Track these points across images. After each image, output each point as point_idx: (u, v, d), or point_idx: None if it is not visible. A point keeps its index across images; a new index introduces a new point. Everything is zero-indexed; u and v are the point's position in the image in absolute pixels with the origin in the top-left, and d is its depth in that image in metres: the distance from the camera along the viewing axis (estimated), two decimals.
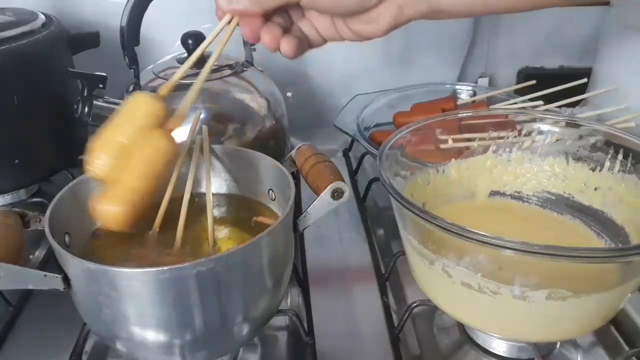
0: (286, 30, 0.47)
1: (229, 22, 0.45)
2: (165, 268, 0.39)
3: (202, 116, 0.48)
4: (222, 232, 0.52)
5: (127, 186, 0.41)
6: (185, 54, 0.71)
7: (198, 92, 0.45)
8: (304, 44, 0.48)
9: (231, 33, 0.45)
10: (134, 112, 0.43)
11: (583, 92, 0.81)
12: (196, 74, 0.69)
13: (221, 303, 0.41)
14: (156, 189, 0.43)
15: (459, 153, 0.59)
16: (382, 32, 0.46)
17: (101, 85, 0.64)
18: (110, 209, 0.41)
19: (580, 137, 0.56)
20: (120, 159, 0.42)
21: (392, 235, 0.68)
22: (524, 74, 1.02)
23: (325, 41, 0.50)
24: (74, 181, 0.49)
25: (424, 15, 0.45)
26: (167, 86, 0.45)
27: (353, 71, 0.92)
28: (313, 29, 0.49)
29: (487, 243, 0.40)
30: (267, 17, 0.46)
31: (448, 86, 0.91)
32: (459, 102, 0.84)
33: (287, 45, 0.46)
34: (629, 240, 0.51)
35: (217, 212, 0.53)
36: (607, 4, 0.89)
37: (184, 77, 0.68)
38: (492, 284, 0.43)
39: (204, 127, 0.46)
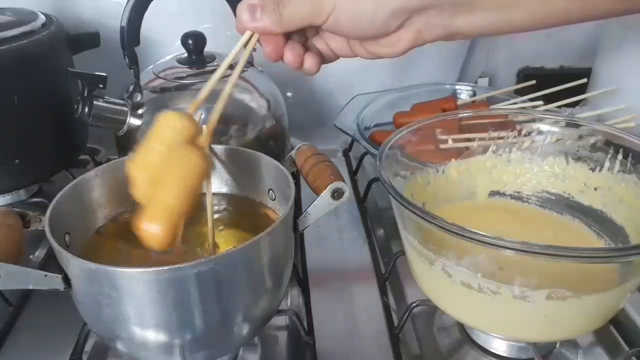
0: (303, 46, 0.47)
1: (250, 37, 0.45)
2: (165, 268, 0.39)
3: (202, 116, 0.48)
4: (222, 232, 0.52)
5: (165, 206, 0.41)
6: (186, 54, 0.72)
7: (222, 108, 0.46)
8: (322, 60, 0.49)
9: (252, 49, 0.46)
10: (165, 131, 0.43)
11: (583, 92, 0.81)
12: (197, 74, 0.69)
13: (221, 303, 0.41)
14: (192, 206, 0.43)
15: (459, 153, 0.59)
16: (398, 54, 0.46)
17: (101, 86, 0.64)
18: (151, 229, 0.41)
19: (580, 137, 0.56)
20: (156, 179, 0.42)
21: (392, 235, 0.68)
22: (524, 74, 1.02)
23: (337, 58, 0.50)
24: (74, 181, 0.49)
25: (440, 38, 0.45)
26: (195, 104, 0.45)
27: (353, 71, 0.92)
28: (327, 47, 0.49)
29: (487, 243, 0.40)
30: (288, 34, 0.46)
31: (448, 86, 0.91)
32: (459, 102, 0.84)
33: (310, 62, 0.47)
34: (629, 240, 0.51)
35: (217, 212, 0.53)
36: None
37: (187, 78, 0.69)
38: (492, 284, 0.43)
39: (204, 127, 0.46)
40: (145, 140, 0.44)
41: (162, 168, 0.42)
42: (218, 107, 0.45)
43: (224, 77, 0.47)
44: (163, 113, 0.44)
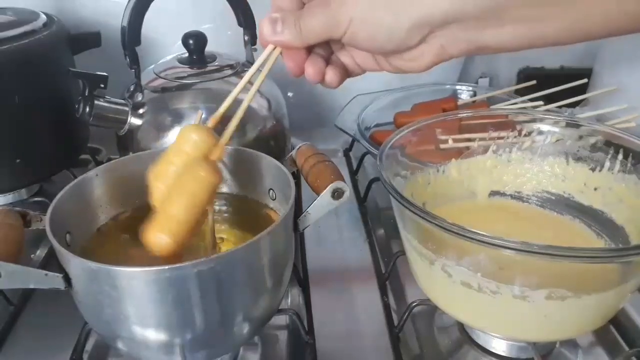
0: (327, 60, 0.47)
1: (272, 50, 0.46)
2: (166, 267, 0.39)
3: (203, 116, 0.48)
4: (223, 232, 0.52)
5: (175, 218, 0.43)
6: (186, 54, 0.72)
7: (238, 123, 0.46)
8: (345, 74, 0.48)
9: (274, 62, 0.46)
10: (185, 145, 0.45)
11: (583, 93, 0.81)
12: (198, 74, 0.69)
13: (221, 302, 0.42)
14: (201, 218, 0.45)
15: (459, 153, 0.59)
16: (424, 69, 0.45)
17: (102, 85, 0.65)
18: (161, 240, 0.43)
19: (581, 137, 0.56)
20: (170, 190, 0.44)
21: (392, 235, 0.68)
22: (524, 74, 1.02)
23: (364, 71, 0.49)
24: (75, 180, 0.49)
25: (467, 53, 0.43)
26: (215, 119, 0.46)
27: None
28: (352, 61, 0.48)
29: (487, 243, 0.40)
30: (310, 49, 0.46)
31: (448, 86, 0.91)
32: (460, 102, 0.84)
33: (332, 76, 0.46)
34: (629, 240, 0.51)
35: (217, 212, 0.53)
36: None
37: (188, 78, 0.69)
38: (492, 284, 0.43)
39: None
40: (167, 150, 0.46)
41: (177, 180, 0.44)
42: (233, 123, 0.46)
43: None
44: (186, 125, 0.46)
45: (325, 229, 0.69)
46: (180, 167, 0.44)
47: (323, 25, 0.42)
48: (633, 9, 0.38)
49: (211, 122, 0.46)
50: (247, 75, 0.47)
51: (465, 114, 0.60)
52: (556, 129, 0.57)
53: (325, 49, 0.47)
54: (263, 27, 0.44)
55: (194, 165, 0.43)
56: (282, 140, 0.73)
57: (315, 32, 0.43)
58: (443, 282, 0.46)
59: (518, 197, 0.60)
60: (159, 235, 0.43)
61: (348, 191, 0.45)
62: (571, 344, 0.52)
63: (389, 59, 0.46)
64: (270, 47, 0.45)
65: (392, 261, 0.60)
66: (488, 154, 0.59)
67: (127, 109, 0.66)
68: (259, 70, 0.47)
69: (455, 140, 0.59)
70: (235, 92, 0.46)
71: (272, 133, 0.70)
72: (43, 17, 0.70)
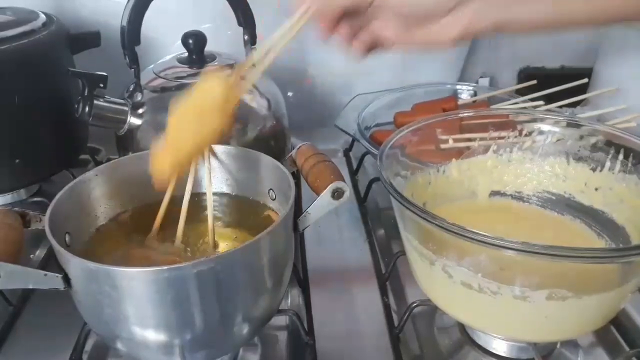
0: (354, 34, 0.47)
1: (305, 11, 0.46)
2: (165, 268, 0.39)
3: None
4: (222, 232, 0.52)
5: (177, 148, 0.47)
6: (186, 54, 0.72)
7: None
8: (370, 46, 0.48)
9: (304, 23, 0.46)
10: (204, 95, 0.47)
11: (584, 92, 0.81)
12: (198, 74, 0.69)
13: (221, 303, 0.41)
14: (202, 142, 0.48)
15: (459, 153, 0.59)
16: (449, 43, 0.45)
17: (102, 85, 0.64)
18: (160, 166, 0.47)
19: (581, 137, 0.56)
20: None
21: (392, 235, 0.68)
22: (524, 74, 1.02)
23: (394, 44, 0.48)
24: (75, 181, 0.49)
25: (491, 29, 0.43)
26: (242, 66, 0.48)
27: (354, 71, 0.92)
28: (385, 30, 0.48)
29: (487, 243, 0.40)
30: (339, 18, 0.46)
31: (449, 86, 0.91)
32: (460, 102, 0.84)
33: (359, 44, 0.46)
34: (630, 240, 0.51)
35: (217, 212, 0.53)
36: None
37: (187, 78, 0.69)
38: (492, 284, 0.43)
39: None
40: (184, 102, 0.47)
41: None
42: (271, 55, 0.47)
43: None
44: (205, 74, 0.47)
45: (325, 229, 0.69)
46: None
47: None
48: None
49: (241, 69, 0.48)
50: (279, 31, 0.47)
51: (465, 114, 0.60)
52: (557, 129, 0.57)
53: (355, 25, 0.47)
54: None
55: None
56: (282, 140, 0.73)
57: None
58: (443, 283, 0.46)
59: (519, 197, 0.60)
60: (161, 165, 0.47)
61: (348, 191, 0.45)
62: (572, 344, 0.52)
63: (418, 30, 0.45)
64: (303, 7, 0.45)
65: (392, 261, 0.60)
66: (488, 154, 0.59)
67: (126, 108, 0.66)
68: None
69: (455, 140, 0.59)
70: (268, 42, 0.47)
71: (272, 133, 0.70)
72: (42, 17, 0.70)
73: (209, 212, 0.49)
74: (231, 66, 0.71)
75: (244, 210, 0.54)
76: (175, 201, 0.50)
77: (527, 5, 0.40)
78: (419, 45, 0.47)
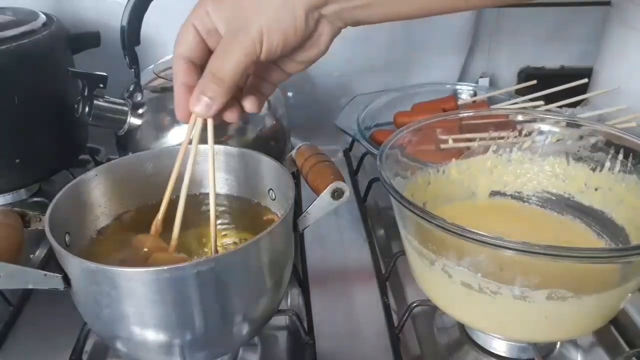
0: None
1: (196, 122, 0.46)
2: (165, 268, 0.39)
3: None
4: (222, 232, 0.52)
5: None
6: None
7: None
8: (263, 98, 0.50)
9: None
10: None
11: (584, 92, 0.81)
12: None
13: (221, 303, 0.41)
14: None
15: (459, 153, 0.59)
16: (324, 52, 0.47)
17: (102, 85, 0.64)
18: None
19: (581, 137, 0.56)
20: None
21: (392, 235, 0.68)
22: (524, 74, 1.02)
23: (275, 88, 0.51)
24: (75, 181, 0.49)
25: (349, 24, 0.47)
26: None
27: (354, 71, 0.92)
28: (264, 81, 0.49)
29: (487, 243, 0.40)
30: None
31: (449, 86, 0.91)
32: (460, 102, 0.84)
33: (249, 104, 0.48)
34: (629, 240, 0.51)
35: (217, 212, 0.53)
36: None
37: None
38: (492, 284, 0.43)
39: (210, 121, 0.46)
40: None
41: None
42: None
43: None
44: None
45: (325, 229, 0.69)
46: None
47: (242, 56, 0.43)
48: None
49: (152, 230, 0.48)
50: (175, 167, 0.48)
51: (465, 114, 0.60)
52: (556, 129, 0.57)
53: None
54: (198, 110, 0.44)
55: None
56: (282, 140, 0.73)
57: (238, 68, 0.43)
58: (443, 283, 0.46)
59: (518, 197, 0.60)
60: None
61: (348, 191, 0.45)
62: (572, 344, 0.52)
63: (296, 57, 0.47)
64: (194, 118, 0.46)
65: (392, 261, 0.60)
66: (488, 154, 0.59)
67: (126, 108, 0.66)
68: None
69: (455, 140, 0.59)
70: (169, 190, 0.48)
71: (272, 133, 0.70)
72: (42, 17, 0.70)
73: (211, 209, 0.47)
74: None
75: (243, 211, 0.54)
76: (177, 202, 0.49)
77: (364, 10, 0.45)
78: (296, 72, 0.49)
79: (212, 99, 0.44)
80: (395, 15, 0.46)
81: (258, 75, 0.49)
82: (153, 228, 0.49)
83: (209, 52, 0.45)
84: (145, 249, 0.47)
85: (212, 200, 0.46)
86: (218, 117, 0.47)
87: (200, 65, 0.46)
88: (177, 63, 0.46)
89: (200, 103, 0.44)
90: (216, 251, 0.46)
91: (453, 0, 0.45)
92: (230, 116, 0.47)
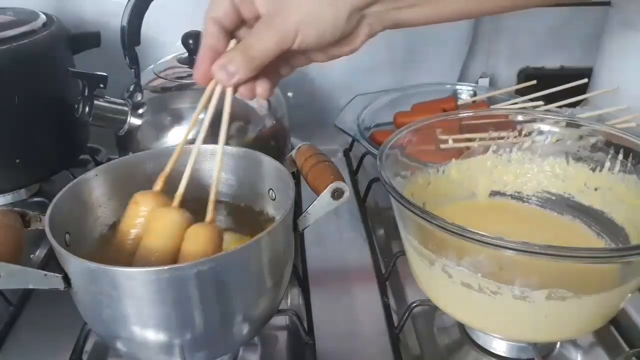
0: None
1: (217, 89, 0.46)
2: (165, 268, 0.39)
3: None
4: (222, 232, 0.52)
5: None
6: (186, 54, 0.72)
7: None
8: (275, 82, 0.49)
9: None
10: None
11: (583, 92, 0.81)
12: None
13: (221, 303, 0.41)
14: None
15: (459, 153, 0.59)
16: (356, 50, 0.48)
17: (102, 85, 0.64)
18: None
19: (581, 138, 0.56)
20: None
21: (392, 235, 0.68)
22: (524, 74, 1.02)
23: (293, 71, 0.50)
24: (75, 181, 0.49)
25: (389, 27, 0.47)
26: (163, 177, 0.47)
27: (354, 71, 0.92)
28: (289, 65, 0.49)
29: (487, 243, 0.40)
30: None
31: (449, 86, 0.91)
32: (460, 102, 0.84)
33: (262, 89, 0.47)
34: (629, 240, 0.51)
35: (217, 212, 0.53)
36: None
37: (187, 78, 0.69)
38: (492, 284, 0.43)
39: (229, 90, 0.45)
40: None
41: None
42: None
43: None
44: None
45: (325, 229, 0.69)
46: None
47: (274, 43, 0.43)
48: None
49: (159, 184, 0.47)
50: (196, 112, 0.47)
51: (465, 114, 0.60)
52: (556, 129, 0.57)
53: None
54: (219, 76, 0.44)
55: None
56: (282, 140, 0.73)
57: (268, 52, 0.43)
58: (443, 283, 0.46)
59: (518, 197, 0.60)
60: None
61: (348, 191, 0.45)
62: (571, 344, 0.52)
63: (327, 50, 0.47)
64: (216, 87, 0.45)
65: (392, 261, 0.60)
66: (488, 154, 0.59)
67: (126, 109, 0.66)
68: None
69: (455, 140, 0.59)
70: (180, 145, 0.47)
71: (272, 133, 0.70)
72: (43, 17, 0.70)
73: (215, 173, 0.47)
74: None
75: (243, 211, 0.54)
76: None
77: (410, 9, 0.45)
78: (322, 62, 0.49)
79: (237, 71, 0.44)
80: (439, 15, 0.46)
81: (280, 56, 0.48)
82: (159, 183, 0.48)
83: (241, 20, 0.45)
84: (144, 208, 0.46)
85: (218, 162, 0.46)
86: (234, 90, 0.46)
87: (230, 31, 0.45)
88: (208, 25, 0.45)
89: (224, 70, 0.44)
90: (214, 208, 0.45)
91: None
92: (245, 93, 0.46)
